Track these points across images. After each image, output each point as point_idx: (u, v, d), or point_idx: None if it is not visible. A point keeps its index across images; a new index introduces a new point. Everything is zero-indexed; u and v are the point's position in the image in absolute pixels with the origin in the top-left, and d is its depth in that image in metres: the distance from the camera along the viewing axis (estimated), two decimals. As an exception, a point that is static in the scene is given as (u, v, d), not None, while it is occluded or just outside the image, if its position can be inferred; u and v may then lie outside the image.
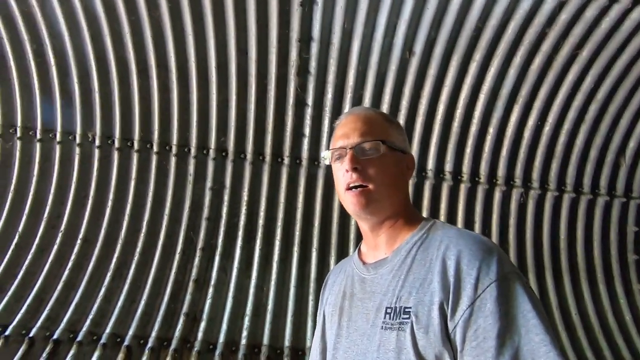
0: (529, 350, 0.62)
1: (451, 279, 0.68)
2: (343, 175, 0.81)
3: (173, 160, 1.87)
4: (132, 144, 1.86)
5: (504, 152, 1.95)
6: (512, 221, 2.00)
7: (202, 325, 1.66)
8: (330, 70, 1.78)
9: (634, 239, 2.07)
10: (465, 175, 1.96)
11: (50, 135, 1.85)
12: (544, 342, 0.61)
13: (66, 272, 1.72)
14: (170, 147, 1.88)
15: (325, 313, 0.92)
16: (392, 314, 0.73)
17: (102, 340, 1.55)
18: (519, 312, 0.64)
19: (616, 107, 1.89)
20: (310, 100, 1.84)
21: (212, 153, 1.88)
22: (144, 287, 1.73)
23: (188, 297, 1.73)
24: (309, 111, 1.86)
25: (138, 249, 1.80)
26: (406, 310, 0.71)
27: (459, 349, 0.66)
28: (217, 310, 1.71)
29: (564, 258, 2.02)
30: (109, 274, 1.74)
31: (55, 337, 1.53)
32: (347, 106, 1.86)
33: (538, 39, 1.70)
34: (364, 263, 0.86)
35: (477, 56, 1.75)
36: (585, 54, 1.75)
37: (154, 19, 1.67)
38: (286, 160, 1.91)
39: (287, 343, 1.67)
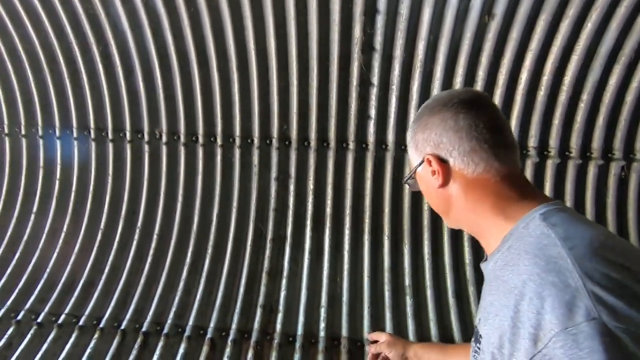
0: None
1: (508, 319, 0.52)
2: None
3: (237, 152, 1.85)
4: (197, 138, 1.86)
5: (600, 120, 1.71)
6: (611, 199, 1.77)
7: (279, 316, 1.65)
8: (398, 45, 1.64)
9: None
10: (553, 150, 1.75)
11: (121, 134, 1.90)
12: None
13: (147, 267, 1.78)
14: (234, 139, 1.85)
15: None
16: (475, 333, 0.64)
17: (187, 333, 1.59)
18: None
19: None
20: (375, 79, 1.72)
21: (275, 142, 1.84)
22: (220, 280, 1.75)
23: (263, 289, 1.72)
24: (374, 91, 1.74)
25: (210, 243, 1.82)
26: (479, 337, 0.61)
27: None
28: (293, 301, 1.69)
29: (677, 238, 1.76)
30: (185, 268, 1.78)
31: (144, 329, 1.59)
32: (415, 83, 1.71)
33: (650, -17, 1.43)
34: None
35: (571, 12, 1.51)
36: None
37: (212, 7, 1.62)
38: (351, 145, 1.81)
39: (366, 335, 1.61)
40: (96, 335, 1.58)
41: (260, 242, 1.82)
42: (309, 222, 1.83)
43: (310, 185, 1.84)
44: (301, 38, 1.66)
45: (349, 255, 1.78)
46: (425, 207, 1.82)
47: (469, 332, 1.65)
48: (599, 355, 0.43)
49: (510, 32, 1.58)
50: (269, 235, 1.82)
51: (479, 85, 1.68)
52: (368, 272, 1.75)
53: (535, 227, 0.57)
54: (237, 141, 1.85)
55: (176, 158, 1.88)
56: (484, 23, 1.56)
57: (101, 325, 1.61)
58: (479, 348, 0.61)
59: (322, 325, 1.62)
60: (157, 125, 1.89)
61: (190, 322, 1.63)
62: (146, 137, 1.89)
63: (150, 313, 1.65)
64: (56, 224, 1.89)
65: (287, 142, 1.84)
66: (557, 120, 1.72)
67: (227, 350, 1.54)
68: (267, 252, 1.80)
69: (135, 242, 1.83)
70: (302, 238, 1.83)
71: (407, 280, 1.74)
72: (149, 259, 1.80)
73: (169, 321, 1.63)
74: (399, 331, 1.63)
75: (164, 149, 1.88)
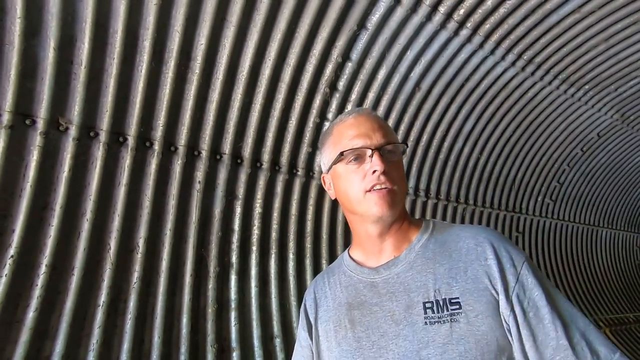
0: (568, 312, 0.70)
1: (493, 263, 0.71)
2: (365, 176, 0.77)
3: (178, 163, 1.57)
4: (125, 139, 1.47)
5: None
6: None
7: (235, 355, 1.45)
8: (355, 90, 1.89)
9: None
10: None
11: (-10, 114, 1.26)
12: (571, 306, 0.72)
13: (30, 315, 1.19)
14: (177, 148, 1.57)
15: (319, 332, 0.83)
16: (435, 308, 0.71)
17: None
18: (546, 282, 0.72)
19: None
20: (331, 115, 1.89)
21: (225, 159, 1.68)
22: (152, 320, 1.38)
23: (210, 325, 1.47)
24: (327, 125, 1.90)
25: (136, 274, 1.42)
26: (453, 301, 0.70)
27: (519, 321, 0.68)
28: (245, 335, 1.53)
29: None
30: (99, 310, 1.30)
31: None
32: (358, 125, 1.99)
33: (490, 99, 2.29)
34: (368, 268, 0.81)
35: (459, 98, 2.20)
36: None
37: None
38: (300, 172, 1.87)
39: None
40: None
41: (202, 271, 1.56)
42: (255, 248, 1.72)
43: (258, 209, 1.76)
44: (279, 61, 1.66)
45: (294, 281, 1.78)
46: (340, 232, 2.06)
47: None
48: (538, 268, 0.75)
49: (424, 104, 2.13)
50: (212, 263, 1.59)
51: (401, 132, 2.13)
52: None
53: (443, 223, 0.85)
54: (181, 151, 1.58)
55: (87, 158, 1.41)
56: (414, 92, 2.04)
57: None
58: (456, 310, 0.70)
59: (281, 356, 1.54)
60: (63, 113, 1.37)
61: (120, 383, 1.20)
62: (41, 127, 1.33)
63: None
64: None
65: (239, 161, 1.71)
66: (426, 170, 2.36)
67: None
68: (211, 283, 1.56)
69: (6, 274, 1.20)
70: (248, 264, 1.69)
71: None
72: (34, 303, 1.21)
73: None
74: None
75: (68, 144, 1.38)
